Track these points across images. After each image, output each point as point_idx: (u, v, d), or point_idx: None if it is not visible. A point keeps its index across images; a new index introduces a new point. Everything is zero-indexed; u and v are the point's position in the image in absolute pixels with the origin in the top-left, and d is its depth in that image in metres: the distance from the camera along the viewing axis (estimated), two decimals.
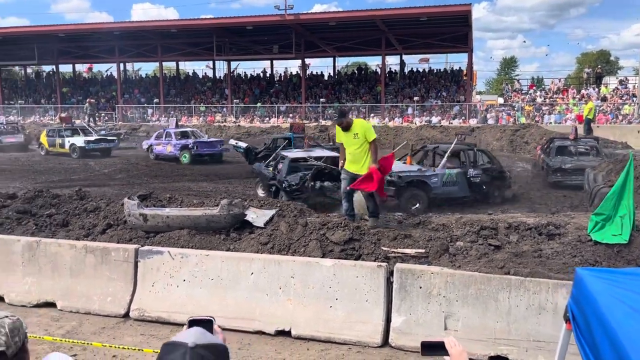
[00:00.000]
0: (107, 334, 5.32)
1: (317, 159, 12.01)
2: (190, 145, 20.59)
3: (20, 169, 19.27)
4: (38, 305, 5.94)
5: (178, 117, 30.88)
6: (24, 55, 40.59)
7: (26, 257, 6.14)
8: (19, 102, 41.75)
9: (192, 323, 1.49)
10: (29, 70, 51.08)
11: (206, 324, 1.48)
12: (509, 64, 74.41)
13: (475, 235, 6.10)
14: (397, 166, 11.56)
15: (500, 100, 35.64)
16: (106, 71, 47.89)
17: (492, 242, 5.96)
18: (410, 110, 33.12)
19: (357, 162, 7.06)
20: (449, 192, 11.42)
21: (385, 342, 4.99)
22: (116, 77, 41.72)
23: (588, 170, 11.59)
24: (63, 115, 33.67)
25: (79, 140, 22.91)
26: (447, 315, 4.93)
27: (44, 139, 24.11)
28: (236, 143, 19.70)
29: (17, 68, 54.03)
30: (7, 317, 1.84)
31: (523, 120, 29.78)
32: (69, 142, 22.97)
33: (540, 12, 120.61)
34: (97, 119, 34.45)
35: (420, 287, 5.03)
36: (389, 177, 9.97)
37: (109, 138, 24.42)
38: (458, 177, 11.57)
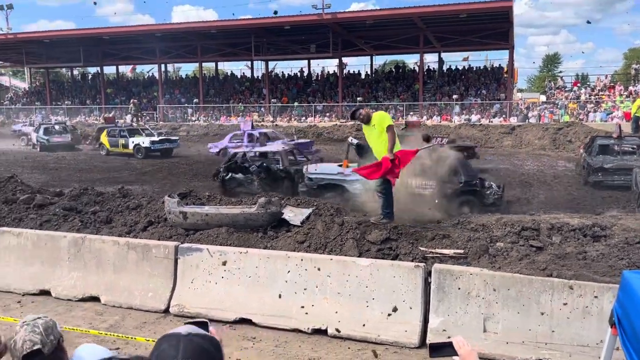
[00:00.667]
0: (148, 328, 5.45)
1: (263, 154, 13.09)
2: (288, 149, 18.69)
3: (66, 168, 19.97)
4: (83, 300, 6.13)
5: (248, 119, 29.20)
6: (71, 58, 42.08)
7: (72, 253, 6.35)
8: (66, 102, 43.29)
9: (189, 325, 1.54)
10: (75, 72, 52.89)
11: (202, 325, 1.52)
12: (551, 61, 72.35)
13: (516, 236, 5.96)
14: (321, 167, 11.51)
15: (543, 98, 34.65)
16: (148, 72, 49.19)
17: (534, 243, 5.80)
18: (457, 109, 32.33)
19: (378, 154, 6.98)
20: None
21: (422, 343, 4.93)
22: (157, 77, 42.74)
23: (636, 169, 11.15)
24: (107, 115, 34.80)
25: (144, 141, 22.64)
26: (486, 317, 4.83)
27: (105, 139, 24.04)
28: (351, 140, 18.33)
29: (64, 70, 56.02)
30: (39, 318, 1.91)
31: (567, 118, 28.90)
32: (132, 142, 22.86)
33: (586, 7, 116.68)
34: (139, 119, 35.38)
35: (459, 288, 4.94)
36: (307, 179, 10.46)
37: (171, 138, 24.07)
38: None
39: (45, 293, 6.30)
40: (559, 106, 31.44)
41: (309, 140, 21.82)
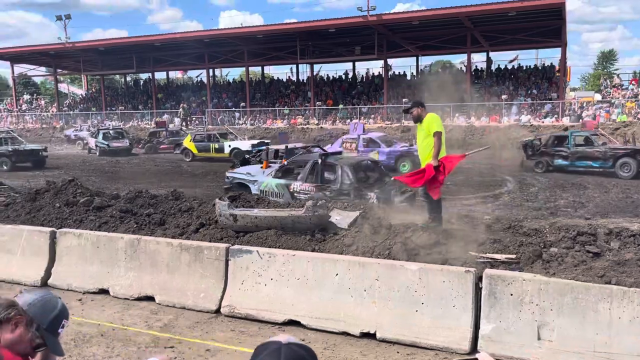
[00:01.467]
0: (200, 328, 5.60)
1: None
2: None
3: (122, 171, 20.74)
4: (139, 299, 6.36)
5: (358, 121, 26.61)
6: (124, 65, 43.73)
7: (128, 254, 6.61)
8: (120, 108, 44.97)
9: None
10: (128, 78, 54.86)
11: None
12: (607, 58, 69.50)
13: (571, 242, 5.76)
14: (247, 167, 12.63)
15: (598, 97, 33.30)
16: (197, 77, 50.42)
17: (591, 249, 5.60)
18: (515, 109, 31.24)
19: (423, 157, 6.84)
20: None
21: (473, 350, 4.85)
22: (206, 82, 43.75)
23: None
24: (159, 119, 35.93)
25: (244, 144, 22.21)
26: (540, 325, 4.71)
27: (190, 144, 23.80)
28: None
29: (117, 76, 58.27)
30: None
31: (624, 118, 27.66)
32: (229, 146, 22.63)
33: None
34: (189, 122, 36.34)
35: (511, 294, 4.84)
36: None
37: (265, 141, 23.53)
38: (279, 188, 10.47)
39: (104, 292, 6.58)
40: (615, 105, 30.14)
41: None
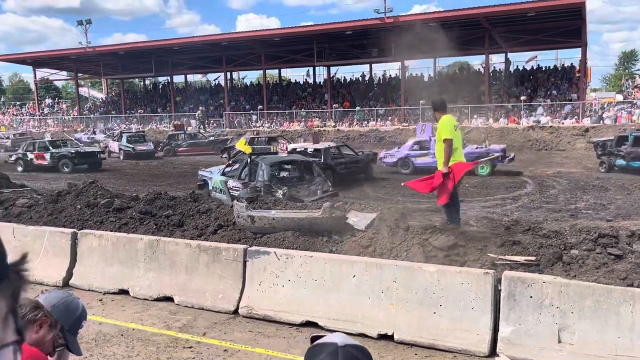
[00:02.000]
0: (218, 328, 5.64)
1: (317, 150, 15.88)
2: (497, 153, 16.56)
3: (142, 173, 21.00)
4: (158, 299, 6.43)
5: (426, 123, 24.03)
6: (143, 68, 44.29)
7: (148, 254, 6.68)
8: (139, 111, 45.55)
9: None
10: (147, 81, 55.56)
11: None
12: (628, 58, 68.35)
13: (593, 244, 5.68)
14: (215, 167, 13.70)
15: (619, 98, 32.77)
16: (214, 80, 50.85)
17: (613, 251, 5.51)
18: (541, 110, 30.84)
19: (438, 161, 6.82)
20: (218, 198, 10.78)
21: (492, 352, 4.80)
22: (223, 85, 44.09)
23: None
24: (177, 122, 36.31)
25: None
26: (560, 328, 4.65)
27: (245, 147, 24.46)
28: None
29: (136, 80, 59.02)
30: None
31: None
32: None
33: None
34: (206, 125, 36.66)
35: (531, 297, 4.78)
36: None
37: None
38: (222, 184, 11.35)
39: (124, 292, 6.66)
40: (637, 106, 29.61)
41: (502, 145, 19.18)
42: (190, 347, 5.14)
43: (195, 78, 54.31)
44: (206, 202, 8.44)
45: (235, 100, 43.85)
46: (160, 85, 53.22)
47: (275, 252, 6.01)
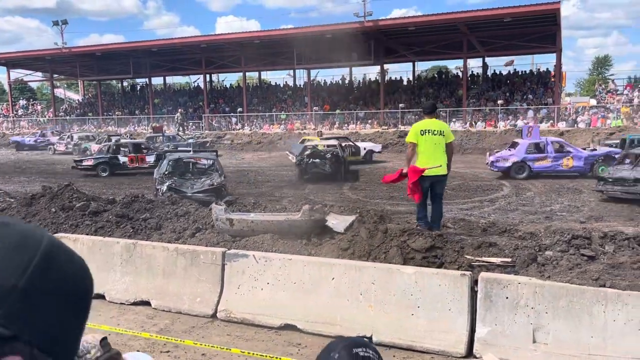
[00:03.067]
0: (196, 332, 5.59)
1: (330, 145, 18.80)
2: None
3: (117, 176, 20.70)
4: (135, 303, 6.35)
5: (530, 124, 23.99)
6: (121, 70, 43.76)
7: (124, 258, 6.60)
8: (117, 113, 44.95)
9: None
10: (124, 83, 54.87)
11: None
12: (602, 63, 69.91)
13: (566, 245, 5.80)
14: None
15: (593, 102, 33.48)
16: (194, 82, 50.49)
17: (586, 252, 5.63)
18: (531, 113, 31.07)
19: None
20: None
21: (469, 353, 4.86)
22: (203, 87, 43.80)
23: None
24: (155, 125, 35.94)
25: (377, 147, 24.30)
26: (535, 328, 4.72)
27: (320, 142, 24.90)
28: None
29: (114, 82, 58.25)
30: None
31: (619, 122, 27.81)
32: (364, 149, 23.74)
33: (637, 7, 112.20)
34: (185, 128, 36.36)
35: (507, 298, 4.85)
36: None
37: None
38: (154, 178, 12.75)
39: (99, 297, 6.55)
40: (610, 110, 30.31)
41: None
42: (168, 352, 5.09)
43: (174, 80, 53.86)
44: (184, 204, 8.37)
45: (214, 103, 43.60)
46: (139, 87, 52.60)
47: (254, 255, 5.99)
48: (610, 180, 12.42)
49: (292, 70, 44.51)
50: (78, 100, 56.31)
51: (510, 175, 16.69)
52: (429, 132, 6.99)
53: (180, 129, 34.94)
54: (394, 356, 4.93)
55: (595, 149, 17.74)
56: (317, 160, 16.84)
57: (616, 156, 15.47)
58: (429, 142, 6.93)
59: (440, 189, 7.08)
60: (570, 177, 16.45)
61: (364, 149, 23.64)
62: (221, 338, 5.43)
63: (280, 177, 18.68)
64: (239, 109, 39.94)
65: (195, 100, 44.95)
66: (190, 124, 39.35)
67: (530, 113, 31.32)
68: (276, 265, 5.83)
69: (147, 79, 46.30)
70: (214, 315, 5.93)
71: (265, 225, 6.94)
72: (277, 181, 17.76)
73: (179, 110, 37.44)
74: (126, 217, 8.05)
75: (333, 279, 5.53)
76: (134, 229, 7.68)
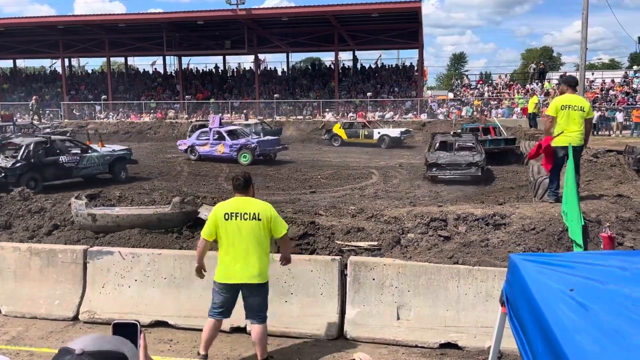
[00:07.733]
0: (55, 338, 5.17)
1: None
2: (253, 145, 18.77)
3: None
4: None
5: (221, 114, 28.03)
6: None
7: None
8: None
9: (116, 327, 1.44)
10: None
11: (131, 327, 1.44)
12: (458, 60, 76.34)
13: (426, 227, 6.26)
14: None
15: (451, 95, 36.49)
16: (50, 66, 46.10)
17: (442, 233, 6.13)
18: (408, 104, 33.14)
19: None
20: None
21: (340, 334, 5.07)
22: (61, 73, 40.15)
23: (532, 161, 12.04)
24: (5, 112, 32.26)
25: (393, 132, 24.14)
26: (399, 306, 5.06)
27: (340, 130, 25.13)
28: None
29: None
30: None
31: (472, 114, 30.62)
32: (378, 133, 24.10)
33: (487, 9, 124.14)
34: (41, 116, 33.11)
35: (374, 279, 5.13)
36: None
37: (408, 130, 25.31)
38: None
39: None
40: (465, 103, 33.25)
41: (275, 137, 22.00)
42: None
43: (26, 63, 48.69)
44: (39, 200, 7.63)
45: (75, 89, 40.23)
46: None
47: (119, 252, 5.68)
48: (443, 165, 14.33)
49: (161, 57, 42.49)
50: None
51: (188, 157, 19.78)
52: (569, 108, 7.02)
53: (35, 117, 31.74)
54: (268, 343, 4.98)
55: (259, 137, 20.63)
56: None
57: (253, 145, 18.55)
58: (567, 117, 6.98)
59: (574, 158, 6.75)
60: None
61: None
62: None
63: (150, 170, 17.79)
64: (104, 97, 37.26)
65: (53, 86, 41.09)
66: (47, 112, 35.90)
67: (408, 104, 33.33)
68: (145, 261, 5.58)
69: None
70: (75, 318, 5.53)
71: (133, 220, 6.59)
72: (147, 173, 16.92)
73: (34, 97, 33.96)
74: None
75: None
76: None
